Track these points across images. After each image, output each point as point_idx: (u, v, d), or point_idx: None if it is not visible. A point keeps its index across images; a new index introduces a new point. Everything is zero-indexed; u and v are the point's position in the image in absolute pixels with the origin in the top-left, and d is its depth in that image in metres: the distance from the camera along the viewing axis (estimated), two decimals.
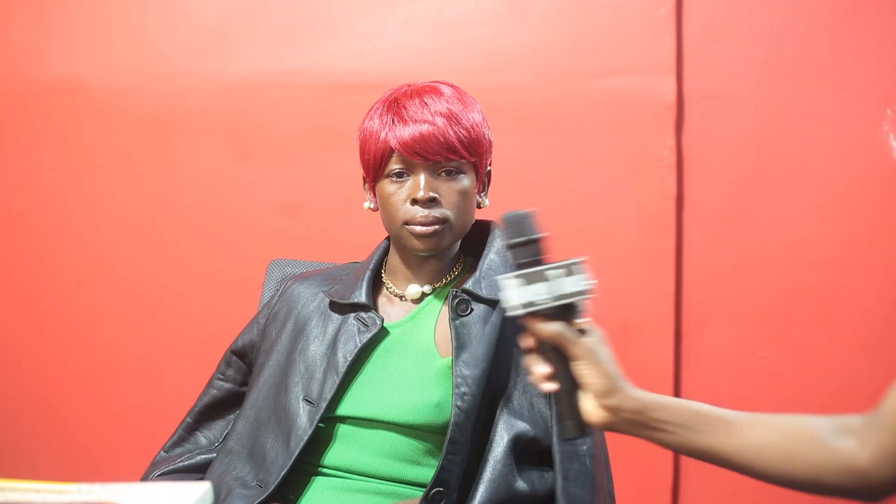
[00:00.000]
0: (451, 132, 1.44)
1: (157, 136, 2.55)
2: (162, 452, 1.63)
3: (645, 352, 2.39)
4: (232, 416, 1.63)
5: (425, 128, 1.44)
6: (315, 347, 1.51)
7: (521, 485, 1.41)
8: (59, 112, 2.58)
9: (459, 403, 1.39)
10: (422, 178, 1.45)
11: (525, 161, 2.42)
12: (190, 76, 2.53)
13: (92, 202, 2.59)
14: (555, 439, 1.42)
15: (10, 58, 2.60)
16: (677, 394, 2.40)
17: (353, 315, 1.51)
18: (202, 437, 1.63)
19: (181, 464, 1.58)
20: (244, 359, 1.63)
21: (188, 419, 1.64)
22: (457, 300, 1.45)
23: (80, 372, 2.63)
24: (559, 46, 2.39)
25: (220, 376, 1.65)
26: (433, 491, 1.38)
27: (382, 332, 1.50)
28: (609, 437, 2.39)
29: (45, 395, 2.65)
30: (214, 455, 1.58)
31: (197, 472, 1.58)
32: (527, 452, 1.43)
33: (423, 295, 1.54)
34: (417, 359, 1.48)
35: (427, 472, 1.45)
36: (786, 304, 2.36)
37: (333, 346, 1.49)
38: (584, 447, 1.44)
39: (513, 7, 2.41)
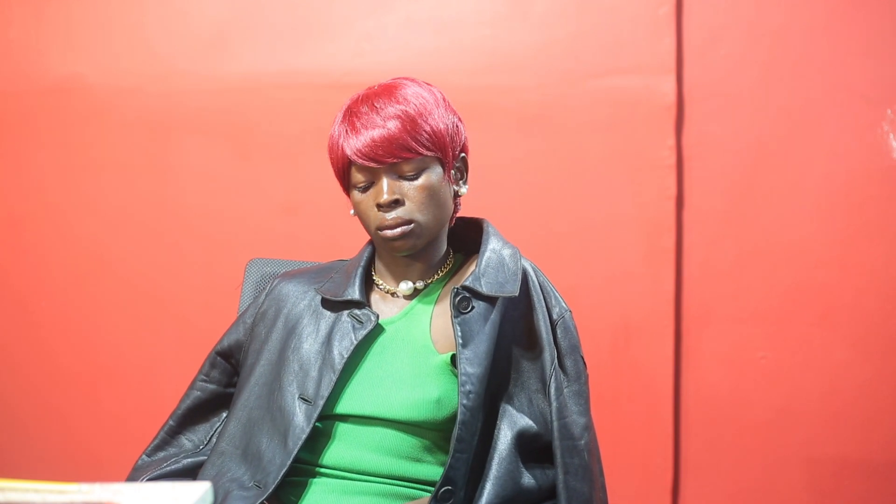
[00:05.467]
0: (403, 133, 1.43)
1: (157, 136, 2.56)
2: (144, 457, 1.59)
3: (645, 352, 2.39)
4: (216, 419, 1.61)
5: (376, 133, 1.43)
6: (308, 345, 1.50)
7: (525, 480, 1.42)
8: (58, 112, 2.59)
9: (465, 402, 1.39)
10: (384, 182, 1.45)
11: (525, 161, 2.42)
12: (190, 76, 2.53)
13: (91, 202, 2.59)
14: (554, 435, 1.43)
15: (9, 58, 2.60)
16: (677, 394, 2.41)
17: (346, 312, 1.51)
18: (185, 441, 1.60)
19: (168, 468, 1.56)
20: (230, 360, 1.62)
21: (170, 422, 1.61)
22: (458, 297, 1.44)
23: (80, 372, 2.63)
24: (559, 46, 2.39)
25: (204, 378, 1.62)
26: (442, 489, 1.38)
27: (377, 329, 1.49)
28: (609, 436, 2.40)
29: (45, 395, 2.65)
30: (202, 458, 1.57)
31: (185, 476, 1.56)
32: (529, 448, 1.44)
33: (416, 291, 1.54)
34: (414, 355, 1.47)
35: (426, 470, 1.46)
36: (786, 304, 2.36)
37: (328, 343, 1.49)
38: (583, 442, 1.45)
39: (513, 7, 2.41)
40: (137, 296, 2.59)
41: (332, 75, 2.46)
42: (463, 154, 1.53)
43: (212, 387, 1.62)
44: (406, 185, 1.45)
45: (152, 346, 2.59)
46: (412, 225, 1.45)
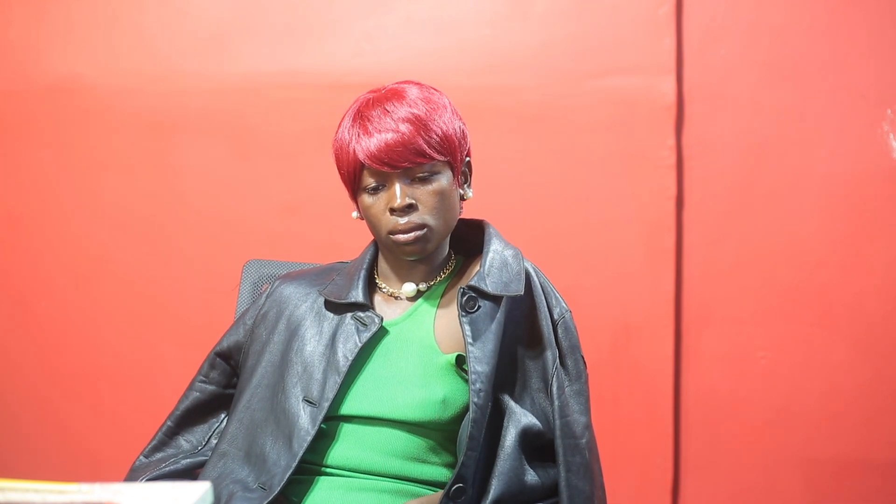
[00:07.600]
0: (417, 137, 1.43)
1: (157, 136, 2.55)
2: (141, 458, 1.59)
3: (645, 352, 2.39)
4: (214, 420, 1.61)
5: (390, 136, 1.43)
6: (312, 347, 1.50)
7: (529, 478, 1.42)
8: (59, 112, 2.58)
9: (476, 400, 1.40)
10: (397, 186, 1.45)
11: (525, 161, 2.42)
12: (190, 76, 2.53)
13: (91, 202, 2.59)
14: (557, 433, 1.44)
15: (9, 58, 2.60)
16: (677, 394, 2.41)
17: (350, 314, 1.51)
18: (183, 442, 1.60)
19: (166, 469, 1.55)
20: (229, 361, 1.61)
21: (168, 423, 1.61)
22: (465, 297, 1.45)
23: (80, 372, 2.63)
24: (559, 46, 2.39)
25: (203, 379, 1.62)
26: (454, 487, 1.38)
27: (381, 331, 1.50)
28: (609, 436, 2.40)
29: (45, 395, 2.65)
30: (200, 459, 1.57)
31: (184, 477, 1.56)
32: (532, 446, 1.45)
33: (419, 293, 1.54)
34: (419, 355, 1.48)
35: (431, 470, 1.46)
36: (786, 304, 2.36)
37: (332, 345, 1.49)
38: (584, 440, 1.45)
39: (513, 7, 2.41)
40: (137, 296, 2.59)
41: (332, 75, 2.46)
42: (468, 158, 1.54)
43: (211, 388, 1.62)
44: (418, 190, 1.46)
45: (152, 346, 2.59)
46: (425, 230, 1.46)
